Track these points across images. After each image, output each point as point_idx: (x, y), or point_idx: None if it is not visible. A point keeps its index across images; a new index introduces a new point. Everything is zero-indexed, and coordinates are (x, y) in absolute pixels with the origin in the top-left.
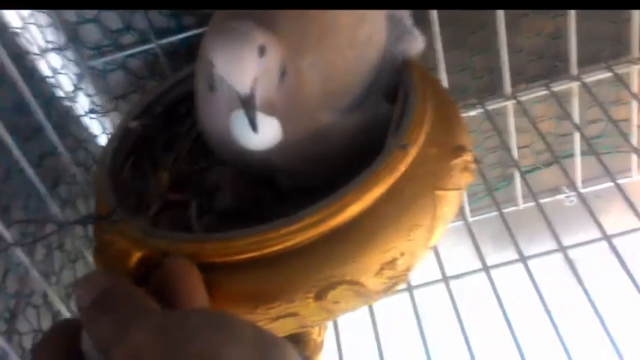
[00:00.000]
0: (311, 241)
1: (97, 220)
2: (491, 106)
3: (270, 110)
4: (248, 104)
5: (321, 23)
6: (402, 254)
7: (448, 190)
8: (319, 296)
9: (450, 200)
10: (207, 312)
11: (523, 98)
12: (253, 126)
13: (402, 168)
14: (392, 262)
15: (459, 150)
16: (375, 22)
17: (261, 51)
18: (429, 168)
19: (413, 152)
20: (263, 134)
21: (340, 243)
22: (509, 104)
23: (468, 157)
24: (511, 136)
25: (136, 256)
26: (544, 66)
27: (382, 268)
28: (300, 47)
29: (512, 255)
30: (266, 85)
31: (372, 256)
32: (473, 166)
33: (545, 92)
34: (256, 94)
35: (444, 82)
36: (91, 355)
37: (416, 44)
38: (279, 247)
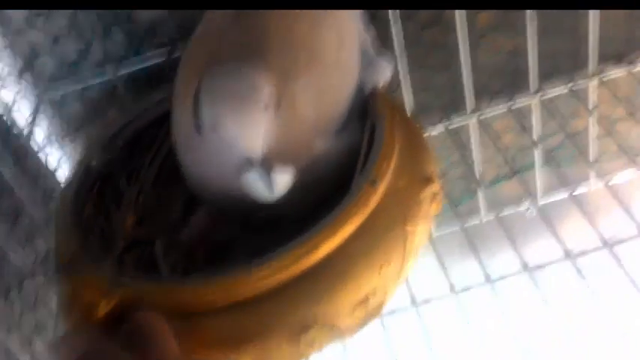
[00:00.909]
0: (283, 283)
1: (62, 270)
2: (455, 123)
3: (279, 157)
4: (262, 168)
5: (308, 45)
6: (374, 291)
7: (418, 223)
8: (292, 339)
9: (420, 232)
10: None
11: (485, 114)
12: (271, 188)
13: (372, 204)
14: (364, 301)
15: (427, 181)
16: (351, 47)
17: (266, 105)
18: (399, 201)
19: (382, 187)
20: (281, 188)
21: (312, 284)
22: (472, 121)
23: (436, 187)
24: (474, 151)
25: (104, 307)
26: (505, 82)
27: (355, 308)
28: (291, 72)
29: (479, 271)
30: (268, 132)
31: (344, 296)
32: (441, 195)
33: (505, 108)
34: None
35: (409, 101)
36: None
37: (385, 73)
38: (251, 291)
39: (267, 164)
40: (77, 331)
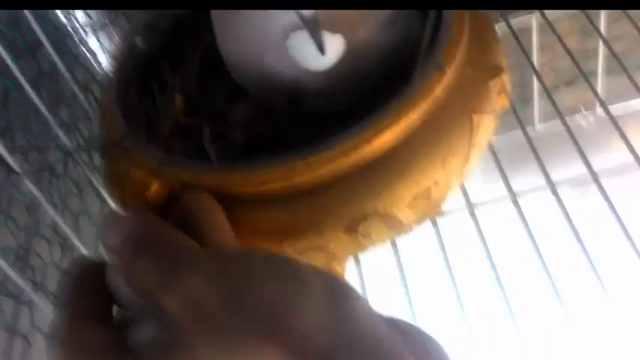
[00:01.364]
0: (341, 171)
1: (110, 147)
2: (515, 19)
3: (330, 25)
4: (313, 25)
5: None
6: (437, 184)
7: (485, 113)
8: (350, 229)
9: (486, 125)
10: (266, 255)
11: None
12: (321, 48)
13: (439, 91)
14: (426, 193)
15: (497, 70)
16: None
17: None
18: (466, 91)
19: (450, 73)
20: (331, 53)
21: (373, 173)
22: (534, 19)
23: (505, 77)
24: (533, 55)
25: (154, 186)
26: None
27: (415, 199)
28: None
29: (535, 178)
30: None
31: (405, 186)
32: (508, 88)
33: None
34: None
35: None
36: (126, 297)
37: None
38: (307, 177)
39: (316, 26)
40: (129, 210)
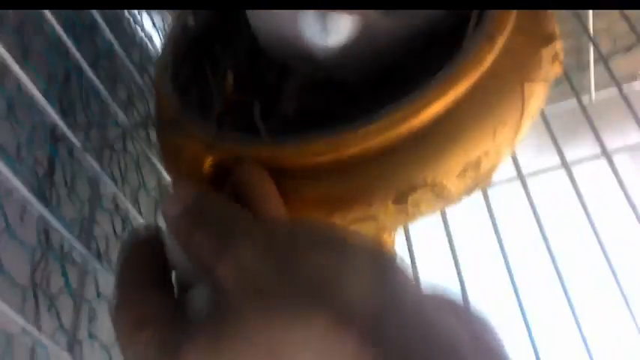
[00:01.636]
0: (390, 142)
1: (165, 124)
2: None
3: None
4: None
5: None
6: (487, 154)
7: (538, 82)
8: (399, 200)
9: (538, 93)
10: (314, 226)
11: None
12: (326, 24)
13: (489, 60)
14: (476, 163)
15: (550, 38)
16: None
17: None
18: (517, 59)
19: (500, 42)
20: (336, 32)
21: (422, 143)
22: None
23: (558, 45)
24: (589, 20)
25: (209, 160)
26: None
27: (465, 169)
28: None
29: (590, 147)
30: None
31: (455, 156)
32: (562, 56)
33: None
34: None
35: None
36: (183, 267)
37: None
38: (357, 149)
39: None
40: (185, 183)
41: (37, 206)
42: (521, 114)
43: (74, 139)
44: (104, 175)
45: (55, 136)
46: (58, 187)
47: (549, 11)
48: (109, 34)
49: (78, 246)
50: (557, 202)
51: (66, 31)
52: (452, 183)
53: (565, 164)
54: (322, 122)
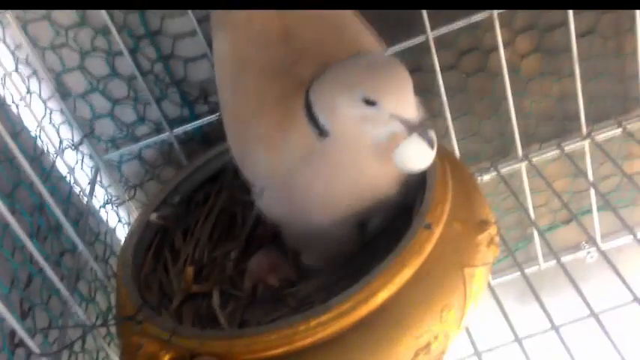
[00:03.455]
0: (342, 331)
1: (124, 322)
2: (505, 168)
3: None
4: (423, 127)
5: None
6: (436, 337)
7: (477, 266)
8: None
9: (479, 276)
10: None
11: (536, 159)
12: (432, 144)
13: (429, 248)
14: (426, 347)
15: (484, 224)
16: None
17: None
18: (456, 245)
19: (437, 231)
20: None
21: (372, 331)
22: (523, 165)
23: (492, 230)
24: (527, 197)
25: (165, 358)
26: (554, 127)
27: (417, 354)
28: None
29: (541, 317)
30: None
31: (405, 342)
32: (498, 238)
33: (557, 152)
34: None
35: (456, 149)
36: None
37: None
38: (310, 339)
39: (427, 125)
40: None
41: None
42: (465, 297)
43: (32, 345)
44: None
45: (13, 342)
46: None
47: (481, 198)
48: (73, 234)
49: None
50: None
51: (31, 234)
52: None
53: (517, 339)
54: (276, 302)
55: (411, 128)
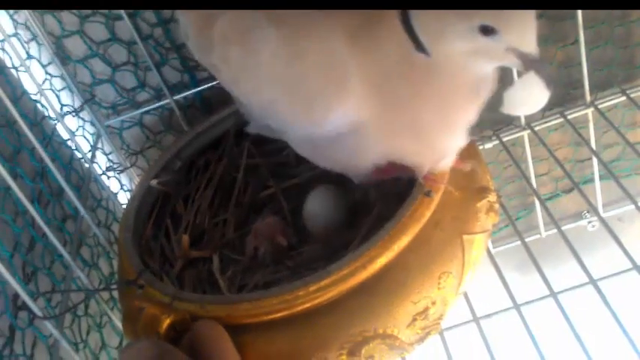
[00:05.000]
0: (341, 296)
1: (125, 286)
2: (508, 137)
3: None
4: (543, 63)
5: None
6: (434, 303)
7: (475, 233)
8: (353, 352)
9: (478, 243)
10: None
11: (538, 127)
12: (549, 83)
13: (428, 214)
14: (424, 312)
15: (483, 191)
16: None
17: None
18: (455, 212)
19: (437, 198)
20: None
21: (370, 296)
22: (525, 134)
23: (492, 197)
24: (529, 165)
25: (166, 321)
26: (557, 94)
27: (415, 319)
28: None
29: (540, 285)
30: None
31: (403, 307)
32: (497, 206)
33: (560, 120)
34: None
35: None
36: None
37: None
38: (310, 304)
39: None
40: (143, 339)
41: None
42: (463, 264)
43: (35, 308)
44: (64, 342)
45: (16, 305)
46: (18, 356)
47: (483, 166)
48: (75, 199)
49: None
50: (511, 343)
51: (32, 199)
52: (403, 333)
53: (516, 306)
54: (277, 266)
55: (531, 64)
